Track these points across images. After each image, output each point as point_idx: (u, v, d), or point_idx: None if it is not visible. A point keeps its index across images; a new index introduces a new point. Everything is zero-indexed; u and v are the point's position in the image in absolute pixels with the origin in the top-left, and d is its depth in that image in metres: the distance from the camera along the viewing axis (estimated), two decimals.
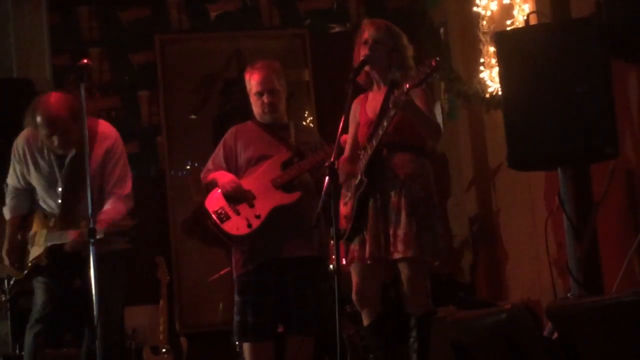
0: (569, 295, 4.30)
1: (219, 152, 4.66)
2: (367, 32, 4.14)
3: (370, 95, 4.22)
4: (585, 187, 4.72)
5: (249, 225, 4.40)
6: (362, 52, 4.11)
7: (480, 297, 6.01)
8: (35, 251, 4.40)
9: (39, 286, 4.45)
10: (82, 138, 3.95)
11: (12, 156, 4.50)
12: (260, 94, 4.55)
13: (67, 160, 4.36)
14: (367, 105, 4.19)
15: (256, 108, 4.60)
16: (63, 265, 4.39)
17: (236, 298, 4.51)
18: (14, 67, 6.46)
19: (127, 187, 4.44)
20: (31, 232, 4.45)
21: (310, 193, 4.45)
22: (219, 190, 4.49)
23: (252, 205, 4.44)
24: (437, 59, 3.77)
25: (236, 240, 4.48)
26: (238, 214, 4.44)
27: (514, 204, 5.69)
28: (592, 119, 4.09)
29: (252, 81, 4.57)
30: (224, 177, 4.50)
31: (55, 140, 4.30)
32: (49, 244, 4.33)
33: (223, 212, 4.45)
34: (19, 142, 4.47)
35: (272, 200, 4.43)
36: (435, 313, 4.17)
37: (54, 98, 4.32)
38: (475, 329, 4.16)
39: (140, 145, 6.67)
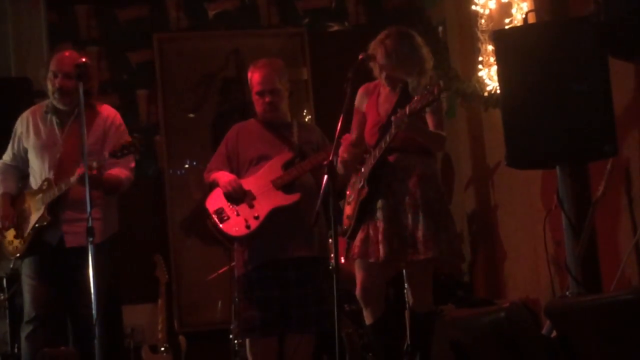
0: (567, 293, 4.29)
1: (221, 150, 4.66)
2: (388, 40, 4.12)
3: (383, 91, 4.19)
4: (584, 185, 4.72)
5: (248, 226, 4.40)
6: (379, 52, 4.08)
7: (478, 295, 6.02)
8: (35, 216, 4.41)
9: (26, 287, 4.44)
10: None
11: (14, 130, 4.60)
12: (261, 94, 4.55)
13: (70, 120, 4.45)
14: (380, 100, 4.17)
15: (258, 107, 4.60)
16: (50, 259, 4.39)
17: (240, 296, 4.51)
18: (12, 65, 6.45)
19: (131, 159, 4.54)
20: (24, 206, 4.48)
21: (311, 194, 4.43)
22: (220, 191, 4.49)
23: (251, 206, 4.44)
24: (441, 83, 3.76)
25: (235, 241, 4.48)
26: (238, 214, 4.43)
27: (513, 202, 5.69)
28: (591, 117, 4.08)
29: (254, 80, 4.56)
30: (225, 177, 4.49)
31: (59, 80, 4.41)
32: (48, 201, 4.36)
33: (223, 212, 4.44)
34: (24, 113, 4.60)
35: (272, 201, 4.42)
36: (441, 312, 4.18)
37: (69, 50, 4.59)
38: (474, 327, 4.15)
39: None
